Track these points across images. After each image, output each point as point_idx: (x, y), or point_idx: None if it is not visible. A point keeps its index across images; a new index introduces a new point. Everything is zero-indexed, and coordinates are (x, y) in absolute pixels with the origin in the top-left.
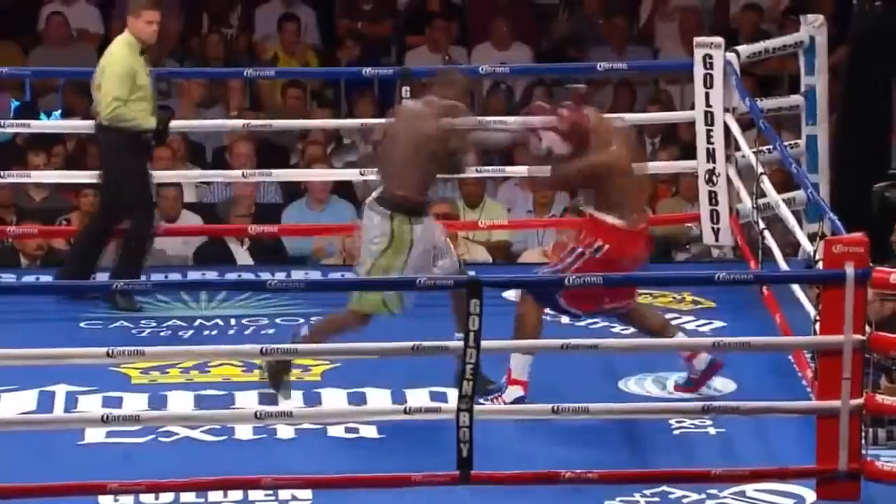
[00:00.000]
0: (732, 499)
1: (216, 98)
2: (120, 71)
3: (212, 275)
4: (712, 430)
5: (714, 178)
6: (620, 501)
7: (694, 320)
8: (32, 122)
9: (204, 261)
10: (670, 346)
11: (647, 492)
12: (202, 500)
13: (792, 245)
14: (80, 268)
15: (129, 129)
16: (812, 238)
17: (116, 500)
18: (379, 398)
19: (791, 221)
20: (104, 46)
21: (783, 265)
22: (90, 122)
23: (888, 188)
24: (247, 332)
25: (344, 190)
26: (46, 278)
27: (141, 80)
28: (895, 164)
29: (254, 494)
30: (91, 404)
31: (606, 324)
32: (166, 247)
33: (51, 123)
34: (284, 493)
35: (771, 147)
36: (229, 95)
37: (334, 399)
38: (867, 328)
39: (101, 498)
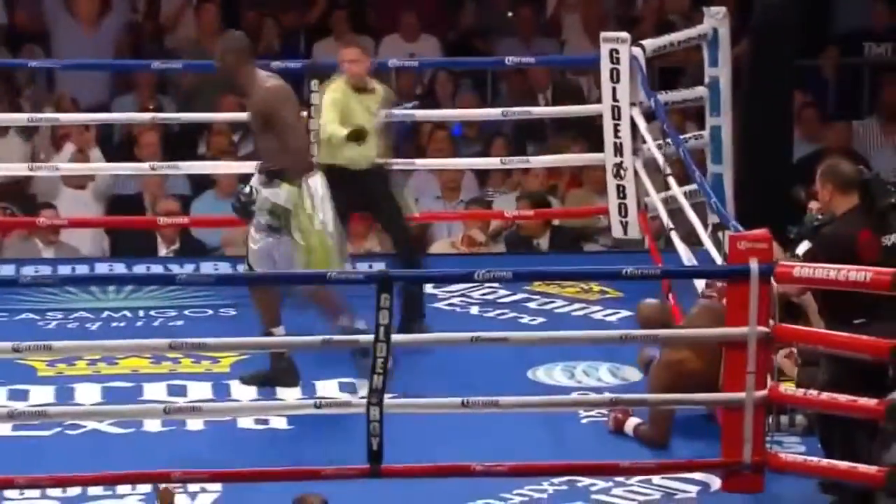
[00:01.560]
0: (640, 486)
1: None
2: None
3: (120, 267)
4: (631, 420)
5: (622, 172)
6: (529, 490)
7: (601, 310)
8: None
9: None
10: (579, 337)
11: (556, 480)
12: (110, 493)
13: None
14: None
15: None
16: (715, 230)
17: (22, 494)
18: (288, 390)
19: (691, 215)
20: None
21: (687, 258)
22: None
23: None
24: (155, 324)
25: None
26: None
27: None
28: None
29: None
30: None
31: (515, 314)
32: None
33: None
34: (194, 486)
35: (673, 141)
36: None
37: (244, 390)
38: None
39: (7, 492)
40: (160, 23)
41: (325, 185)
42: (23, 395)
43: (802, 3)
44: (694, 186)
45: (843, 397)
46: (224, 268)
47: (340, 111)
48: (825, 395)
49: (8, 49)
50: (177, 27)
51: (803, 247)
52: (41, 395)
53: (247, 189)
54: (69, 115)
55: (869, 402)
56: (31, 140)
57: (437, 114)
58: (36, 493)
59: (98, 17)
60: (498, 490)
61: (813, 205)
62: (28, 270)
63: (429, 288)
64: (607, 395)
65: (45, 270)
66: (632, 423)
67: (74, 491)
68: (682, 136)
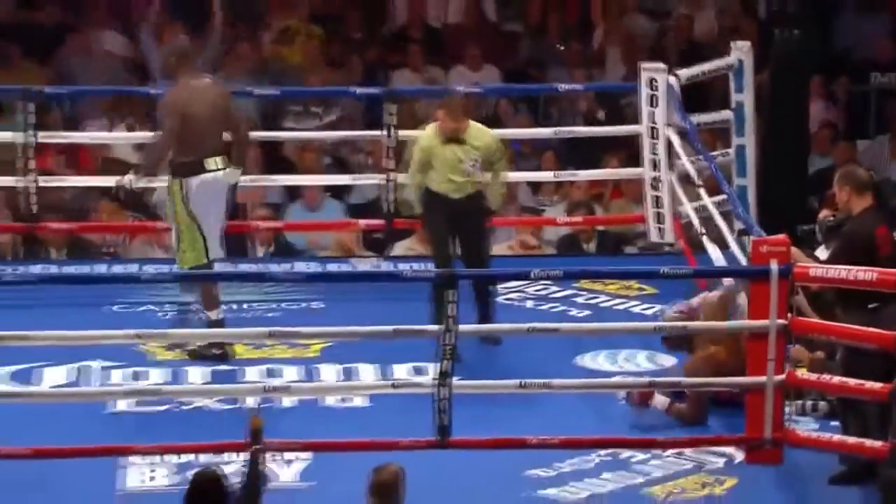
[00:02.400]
0: (674, 458)
1: None
2: None
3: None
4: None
5: (658, 185)
6: (578, 460)
7: (640, 304)
8: None
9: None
10: (621, 328)
11: (601, 452)
12: (217, 460)
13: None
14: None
15: None
16: (740, 235)
17: (143, 459)
18: (368, 372)
19: (720, 221)
20: None
21: (718, 260)
22: None
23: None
24: (255, 316)
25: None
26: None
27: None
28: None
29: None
30: (120, 378)
31: (565, 308)
32: None
33: None
34: (289, 455)
35: (703, 157)
36: None
37: (330, 373)
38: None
39: (131, 458)
40: (263, 55)
41: (214, 186)
42: (143, 376)
43: (816, 39)
44: (722, 197)
45: (853, 381)
46: (314, 267)
47: (421, 158)
48: (836, 380)
49: (136, 78)
50: (282, 57)
51: (822, 251)
52: (158, 375)
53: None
54: None
55: (875, 385)
56: None
57: (497, 133)
58: (156, 458)
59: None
60: (551, 461)
61: (823, 213)
62: (149, 269)
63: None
64: (646, 378)
65: (164, 269)
66: (661, 400)
67: (187, 457)
68: (711, 154)
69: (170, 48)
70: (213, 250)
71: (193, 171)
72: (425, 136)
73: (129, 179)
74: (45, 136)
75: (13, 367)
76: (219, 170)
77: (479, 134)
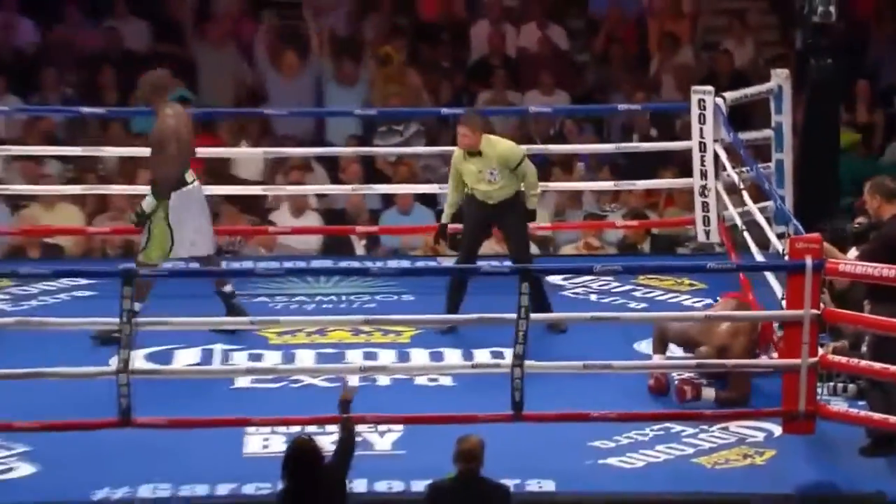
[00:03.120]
0: (720, 432)
1: None
2: None
3: (328, 263)
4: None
5: (706, 192)
6: (634, 433)
7: (689, 298)
8: None
9: (330, 251)
10: (670, 318)
11: (655, 426)
12: (321, 431)
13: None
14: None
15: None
16: (780, 236)
17: (257, 431)
18: (452, 355)
19: (764, 225)
20: None
21: (758, 257)
22: None
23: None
24: (354, 305)
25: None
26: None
27: None
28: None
29: (360, 428)
30: (240, 359)
31: (624, 300)
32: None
33: None
34: (382, 427)
35: (748, 168)
36: None
37: (419, 356)
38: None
39: (247, 429)
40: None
41: (192, 195)
42: (258, 358)
43: (847, 68)
44: (763, 203)
45: (878, 365)
46: (405, 264)
47: (453, 173)
48: (864, 363)
49: (250, 100)
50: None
51: (853, 252)
52: (272, 357)
53: (139, 208)
54: (292, 149)
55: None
56: (266, 168)
57: (567, 148)
58: (267, 430)
59: (297, 70)
60: (611, 433)
61: (860, 219)
62: (262, 265)
63: (559, 280)
64: (693, 361)
65: (275, 265)
66: (709, 393)
67: (295, 429)
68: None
69: (150, 78)
70: (178, 252)
71: (177, 187)
72: (455, 154)
73: (148, 204)
74: None
75: (151, 349)
76: (193, 181)
77: (492, 146)
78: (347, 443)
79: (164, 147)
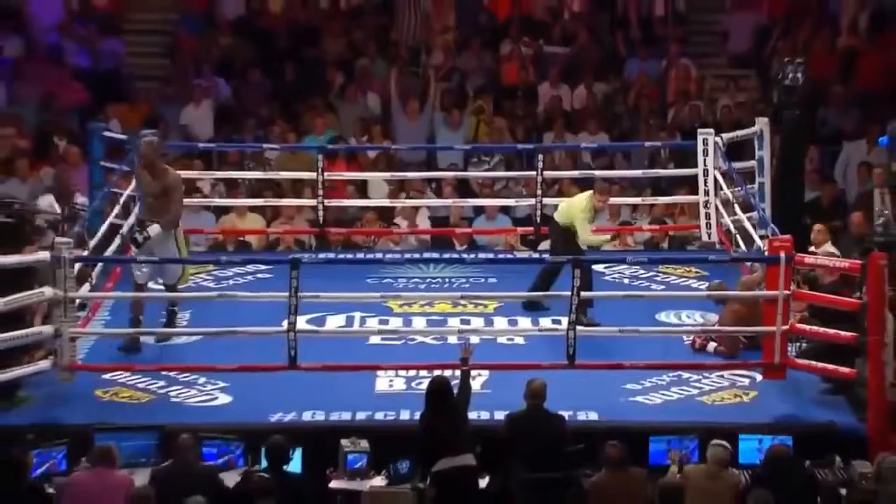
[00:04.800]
0: (717, 378)
1: None
2: None
3: (435, 255)
4: (710, 346)
5: (708, 205)
6: (655, 379)
7: (696, 281)
8: None
9: (436, 246)
10: (683, 296)
11: (670, 373)
12: (429, 375)
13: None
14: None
15: None
16: (762, 237)
17: (385, 374)
18: (525, 322)
19: (750, 229)
20: None
21: (745, 252)
22: None
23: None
24: (453, 285)
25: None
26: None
27: None
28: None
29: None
30: (372, 323)
31: (648, 283)
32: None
33: None
34: (474, 373)
35: (739, 188)
36: None
37: (501, 322)
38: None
39: (378, 373)
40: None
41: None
42: (385, 322)
43: (809, 117)
44: (750, 214)
45: (831, 331)
46: (490, 256)
47: (589, 220)
48: (822, 329)
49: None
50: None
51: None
52: (395, 322)
53: (146, 233)
54: (411, 173)
55: (844, 333)
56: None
57: (607, 174)
58: (392, 373)
59: (418, 114)
60: (638, 378)
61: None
62: (389, 256)
63: (600, 268)
64: (699, 327)
65: (398, 256)
66: (712, 346)
67: (412, 373)
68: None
69: (154, 144)
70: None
71: (174, 224)
72: (587, 206)
73: (154, 229)
74: (329, 175)
75: (309, 315)
76: None
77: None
78: (467, 385)
79: (175, 191)
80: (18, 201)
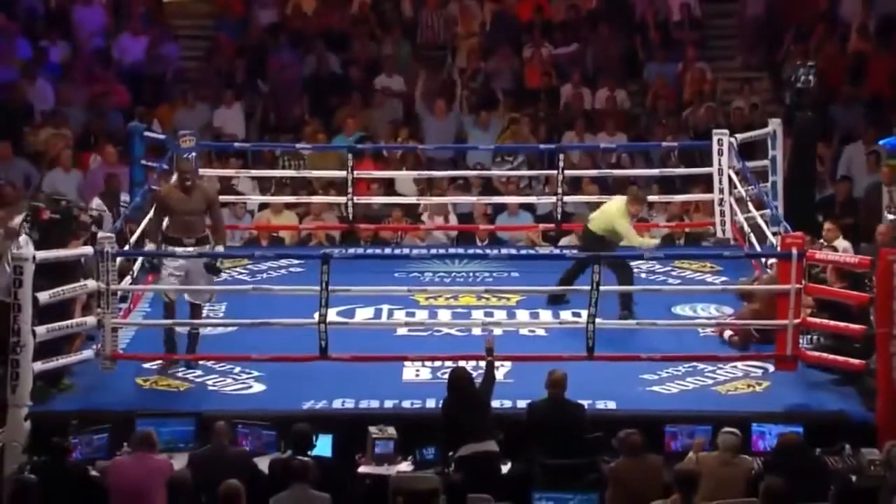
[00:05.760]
0: (731, 368)
1: None
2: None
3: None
4: (725, 334)
5: (723, 203)
6: (671, 370)
7: (711, 276)
8: None
9: (461, 242)
10: (697, 290)
11: (685, 365)
12: (454, 365)
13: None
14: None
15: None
16: (774, 234)
17: (412, 364)
18: (545, 315)
19: (763, 226)
20: None
21: (759, 248)
22: None
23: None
24: (477, 279)
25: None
26: None
27: None
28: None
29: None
30: (399, 315)
31: (665, 277)
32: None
33: None
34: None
35: (752, 187)
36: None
37: (523, 315)
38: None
39: (405, 363)
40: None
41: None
42: (412, 314)
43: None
44: (763, 211)
45: (842, 324)
46: (512, 251)
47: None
48: (832, 323)
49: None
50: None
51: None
52: (421, 314)
53: (221, 262)
54: (438, 172)
55: (854, 326)
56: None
57: (626, 173)
58: (418, 364)
59: (445, 114)
60: (655, 369)
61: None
62: (416, 251)
63: None
64: (714, 320)
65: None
66: (727, 332)
67: (437, 363)
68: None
69: (188, 164)
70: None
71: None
72: (623, 210)
73: (220, 249)
74: (359, 173)
75: (339, 308)
76: None
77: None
78: (491, 374)
79: (217, 203)
80: (65, 198)
